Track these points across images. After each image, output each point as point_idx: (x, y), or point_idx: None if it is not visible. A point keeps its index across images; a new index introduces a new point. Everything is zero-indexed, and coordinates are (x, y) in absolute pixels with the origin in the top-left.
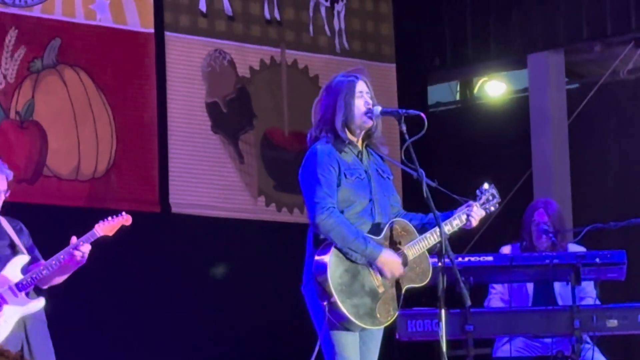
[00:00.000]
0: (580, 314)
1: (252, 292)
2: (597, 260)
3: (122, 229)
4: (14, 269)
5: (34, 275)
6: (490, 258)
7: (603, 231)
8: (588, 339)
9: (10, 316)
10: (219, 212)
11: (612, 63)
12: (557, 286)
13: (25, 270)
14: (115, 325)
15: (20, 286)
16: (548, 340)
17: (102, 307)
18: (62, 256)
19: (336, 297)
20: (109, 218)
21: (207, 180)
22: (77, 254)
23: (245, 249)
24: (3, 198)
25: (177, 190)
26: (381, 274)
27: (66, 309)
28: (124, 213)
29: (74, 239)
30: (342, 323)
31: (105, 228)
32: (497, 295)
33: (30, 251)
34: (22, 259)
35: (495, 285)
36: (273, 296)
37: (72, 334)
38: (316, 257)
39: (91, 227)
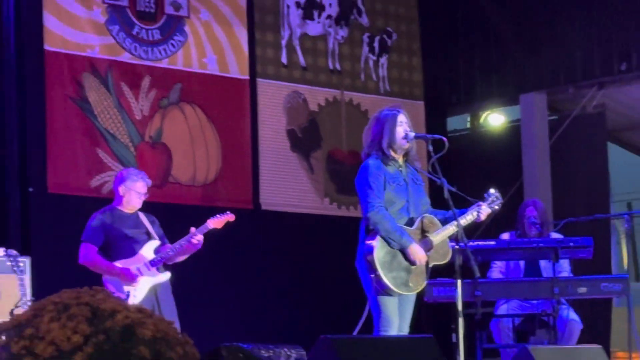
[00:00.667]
0: (558, 283)
1: (319, 268)
2: (571, 244)
3: (227, 223)
4: (148, 251)
5: (162, 255)
6: (492, 242)
7: (575, 223)
8: (564, 302)
9: (145, 284)
10: (296, 209)
11: (582, 101)
12: (542, 263)
13: (156, 251)
14: (218, 292)
15: (152, 263)
16: (535, 302)
17: (209, 278)
18: (183, 242)
19: (380, 271)
20: (218, 215)
21: (287, 185)
22: (194, 241)
23: (315, 236)
24: (143, 199)
25: (265, 193)
26: (408, 260)
27: (186, 281)
28: (229, 212)
29: (192, 229)
30: (385, 290)
31: (215, 222)
32: (497, 268)
33: (160, 238)
34: (154, 243)
35: (496, 262)
36: (335, 270)
37: (189, 298)
38: (366, 242)
39: (204, 220)
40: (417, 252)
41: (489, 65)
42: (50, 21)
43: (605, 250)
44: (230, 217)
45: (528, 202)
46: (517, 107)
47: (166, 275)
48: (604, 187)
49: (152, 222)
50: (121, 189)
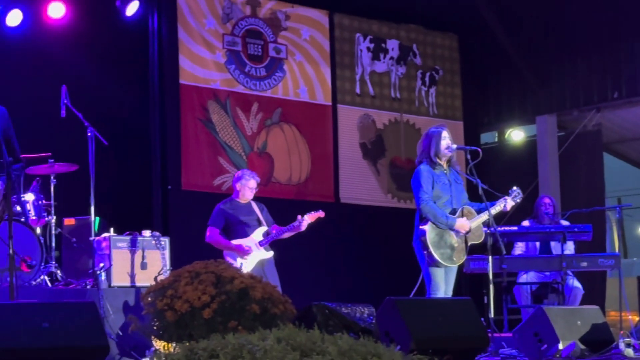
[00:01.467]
0: (565, 259)
1: (384, 246)
2: (575, 229)
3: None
4: (258, 234)
5: (268, 237)
6: (515, 228)
7: (578, 214)
8: (570, 273)
9: (253, 259)
10: (366, 202)
11: (583, 121)
12: (552, 243)
13: (264, 235)
14: (309, 263)
15: (260, 243)
16: (547, 273)
17: (302, 254)
18: (287, 228)
19: (431, 249)
20: (312, 212)
21: (360, 184)
22: (302, 226)
23: (380, 222)
24: (254, 192)
25: (343, 190)
26: (458, 230)
27: (286, 256)
28: (320, 210)
29: (299, 217)
30: (435, 263)
31: (310, 217)
32: (519, 248)
33: (268, 222)
34: (263, 229)
35: (518, 243)
36: (396, 248)
37: (288, 269)
38: (420, 227)
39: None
40: (462, 223)
41: (512, 94)
42: (184, 62)
43: (601, 234)
44: (321, 214)
45: (543, 197)
46: (534, 126)
47: (270, 253)
48: (600, 186)
49: (261, 209)
50: (238, 185)
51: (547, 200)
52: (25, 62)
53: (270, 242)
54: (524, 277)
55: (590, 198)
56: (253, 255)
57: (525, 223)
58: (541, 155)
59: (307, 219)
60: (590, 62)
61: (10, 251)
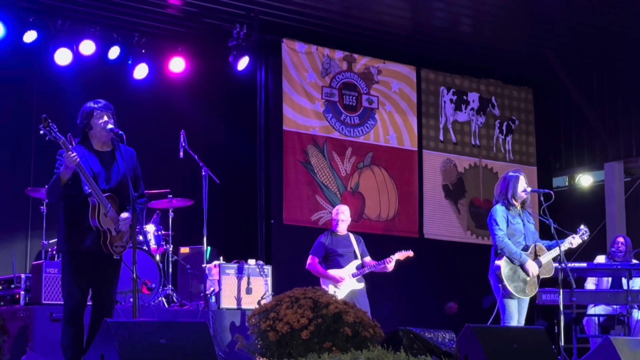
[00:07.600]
0: (631, 294)
1: (463, 278)
2: None
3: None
4: (352, 266)
5: (360, 271)
6: (584, 264)
7: None
8: (635, 306)
9: (346, 288)
10: (447, 238)
11: None
12: (624, 279)
13: (357, 267)
14: (396, 292)
15: (353, 275)
16: (615, 306)
17: (390, 284)
18: (381, 263)
19: (505, 282)
20: (403, 251)
21: (442, 222)
22: (389, 267)
23: (460, 256)
24: (348, 219)
25: (427, 227)
26: (526, 272)
27: (375, 285)
28: (410, 250)
29: (392, 256)
30: (509, 295)
31: (400, 255)
32: (591, 282)
33: (362, 254)
34: (357, 262)
35: (589, 278)
36: (474, 280)
37: (378, 297)
38: (496, 262)
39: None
40: (532, 266)
41: (582, 142)
42: (287, 111)
43: None
44: (410, 253)
45: (617, 237)
46: (602, 172)
47: (362, 285)
48: None
49: (358, 241)
50: (335, 219)
51: (620, 240)
52: (150, 109)
53: (361, 274)
54: (592, 310)
55: None
56: (345, 285)
57: (601, 258)
58: (609, 198)
59: (397, 256)
60: None
61: (134, 275)
